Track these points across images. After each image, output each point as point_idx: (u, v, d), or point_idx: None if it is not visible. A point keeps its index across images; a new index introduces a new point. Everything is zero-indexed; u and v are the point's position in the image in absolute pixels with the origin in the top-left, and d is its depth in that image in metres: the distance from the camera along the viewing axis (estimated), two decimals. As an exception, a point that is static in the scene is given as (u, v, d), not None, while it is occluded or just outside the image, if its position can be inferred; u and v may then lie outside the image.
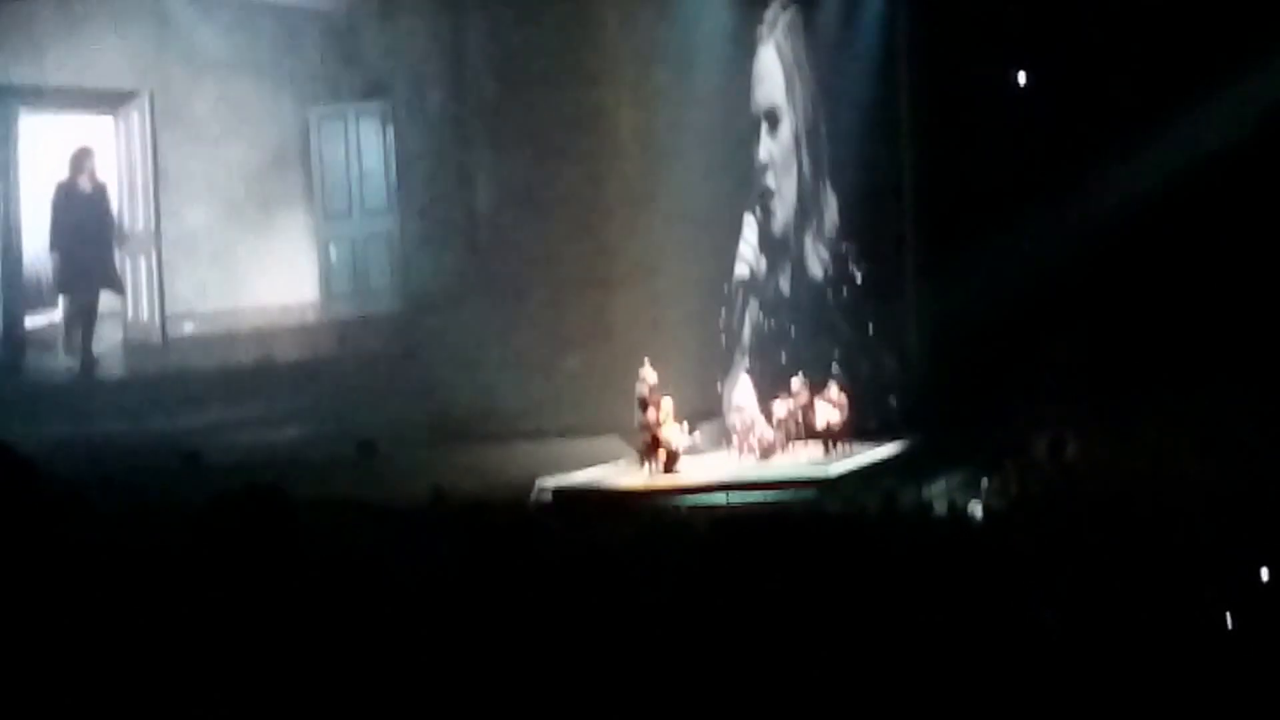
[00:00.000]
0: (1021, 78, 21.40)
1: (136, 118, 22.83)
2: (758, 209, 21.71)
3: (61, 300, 23.03)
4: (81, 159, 22.89)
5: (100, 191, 22.98)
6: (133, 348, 22.98)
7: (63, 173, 22.84)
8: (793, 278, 21.59)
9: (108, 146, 23.10)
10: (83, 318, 22.92)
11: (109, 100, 22.94)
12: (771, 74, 21.55)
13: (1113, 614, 8.69)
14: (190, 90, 22.84)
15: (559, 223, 22.07)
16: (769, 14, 21.49)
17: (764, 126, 21.54)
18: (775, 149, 21.59)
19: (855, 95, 21.05)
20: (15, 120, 22.68)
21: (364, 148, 23.35)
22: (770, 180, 21.62)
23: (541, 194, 22.31)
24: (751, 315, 21.68)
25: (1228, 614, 8.62)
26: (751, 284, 21.70)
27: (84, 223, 22.87)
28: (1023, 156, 20.54)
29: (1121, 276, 20.11)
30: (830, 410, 19.86)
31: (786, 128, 21.56)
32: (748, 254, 21.74)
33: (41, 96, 22.75)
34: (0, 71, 22.46)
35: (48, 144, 22.96)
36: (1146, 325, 19.79)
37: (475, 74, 23.07)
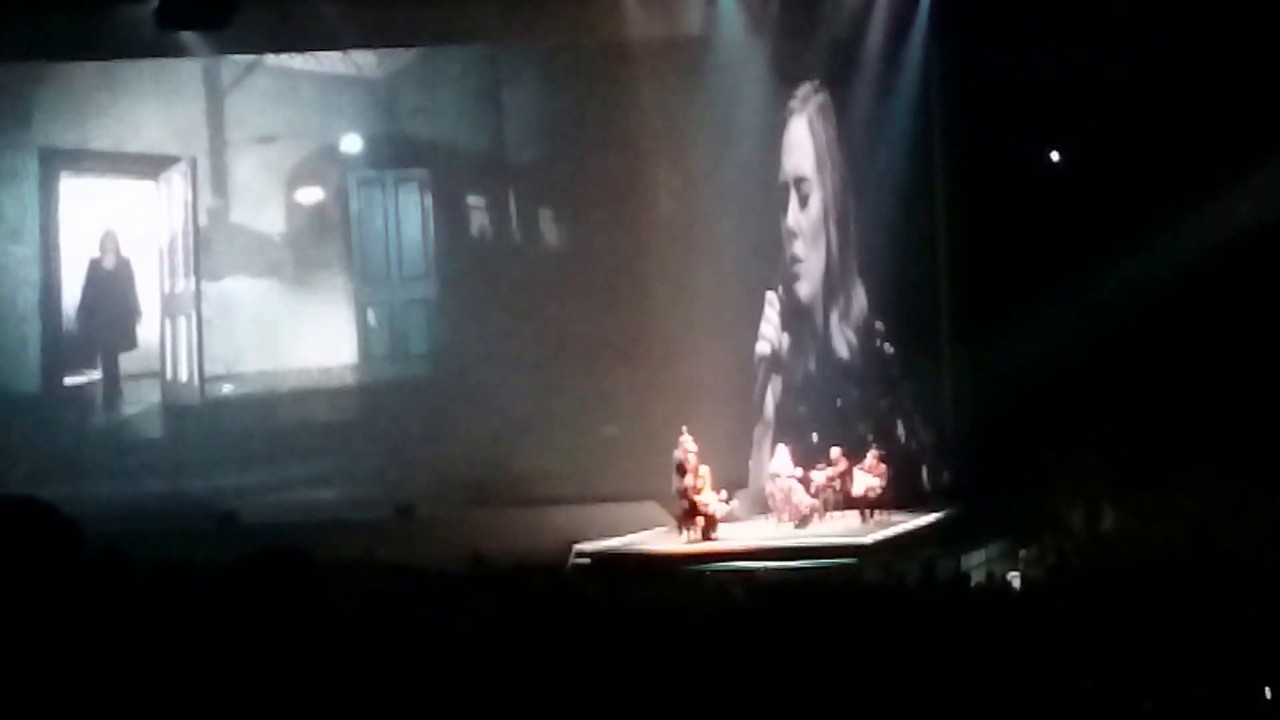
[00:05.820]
0: (1054, 156, 21.50)
1: (178, 182, 23.01)
2: (790, 281, 21.78)
3: (96, 363, 23.21)
4: (106, 241, 22.99)
5: (125, 267, 23.07)
6: (172, 408, 23.03)
7: (94, 249, 22.97)
8: (829, 348, 21.64)
9: (149, 211, 23.22)
10: (113, 381, 23.06)
11: (151, 165, 23.11)
12: (801, 146, 21.66)
13: (1152, 684, 8.65)
14: (232, 156, 23.05)
15: (596, 290, 22.17)
16: (800, 92, 21.61)
17: (793, 196, 21.64)
18: (804, 219, 21.69)
19: (888, 174, 21.22)
20: (56, 182, 22.90)
21: (403, 214, 23.42)
22: (800, 250, 21.70)
23: (579, 261, 22.45)
24: (788, 386, 21.70)
25: (1266, 687, 8.59)
26: (787, 355, 21.75)
27: (107, 295, 23.02)
28: (1057, 232, 20.59)
29: (1156, 350, 20.11)
30: (868, 479, 19.87)
31: (816, 199, 21.65)
32: (783, 325, 21.79)
33: (83, 160, 22.96)
34: (43, 134, 22.71)
35: (88, 207, 23.11)
36: (1181, 397, 19.77)
37: (513, 143, 23.26)
